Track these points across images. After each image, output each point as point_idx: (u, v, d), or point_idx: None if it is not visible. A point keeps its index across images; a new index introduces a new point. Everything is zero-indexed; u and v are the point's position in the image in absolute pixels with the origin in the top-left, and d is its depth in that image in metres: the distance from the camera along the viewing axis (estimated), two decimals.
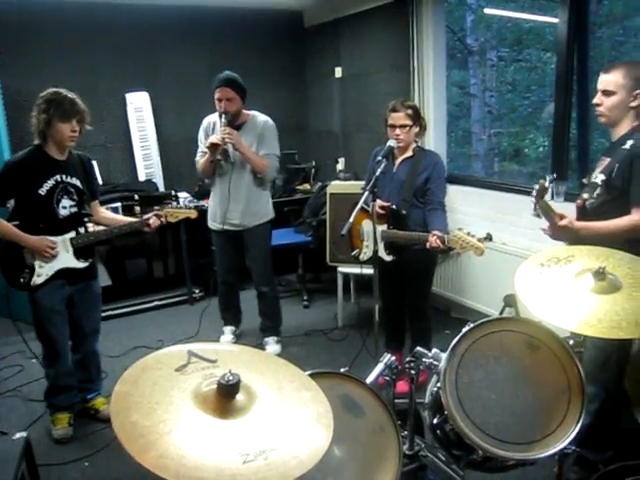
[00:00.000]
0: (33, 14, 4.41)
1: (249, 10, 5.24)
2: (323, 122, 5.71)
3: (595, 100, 2.33)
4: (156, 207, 3.09)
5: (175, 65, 5.15)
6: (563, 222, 2.21)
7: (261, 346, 3.83)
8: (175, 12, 4.94)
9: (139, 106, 4.96)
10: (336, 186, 4.46)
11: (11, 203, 2.82)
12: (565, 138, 3.51)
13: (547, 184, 2.14)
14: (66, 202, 2.80)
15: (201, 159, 3.62)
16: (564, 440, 1.63)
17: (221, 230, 3.68)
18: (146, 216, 2.98)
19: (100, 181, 4.78)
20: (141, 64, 5.01)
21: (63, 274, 2.84)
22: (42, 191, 2.72)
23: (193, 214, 3.09)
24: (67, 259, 2.83)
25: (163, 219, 2.98)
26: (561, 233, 2.27)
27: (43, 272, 2.78)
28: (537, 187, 2.14)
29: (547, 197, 2.19)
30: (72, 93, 2.72)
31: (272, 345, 3.88)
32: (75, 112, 2.69)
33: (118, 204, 4.34)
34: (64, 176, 2.79)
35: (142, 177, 5.00)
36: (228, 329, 4.04)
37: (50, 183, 2.73)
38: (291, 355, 3.70)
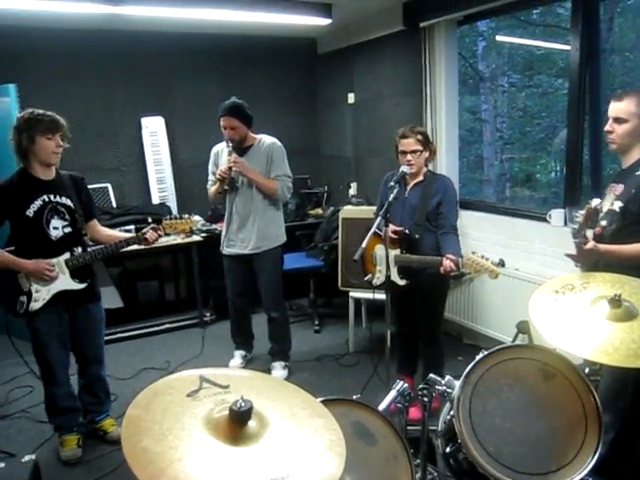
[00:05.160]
0: (50, 43, 4.52)
1: (263, 37, 5.33)
2: (335, 147, 5.75)
3: (607, 127, 2.33)
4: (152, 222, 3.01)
5: (190, 91, 5.23)
6: (589, 245, 2.19)
7: (270, 371, 3.80)
8: (190, 39, 5.04)
9: (154, 130, 5.03)
10: (348, 211, 4.46)
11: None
12: (578, 163, 3.51)
13: (594, 205, 2.08)
14: (57, 222, 2.76)
15: (212, 187, 3.67)
16: (581, 471, 1.60)
17: (232, 254, 3.69)
18: (143, 230, 2.92)
19: (114, 204, 4.85)
20: (157, 89, 5.10)
21: (60, 298, 2.79)
22: (29, 212, 2.68)
23: (189, 223, 3.02)
24: (64, 281, 2.78)
25: (161, 232, 2.93)
26: (585, 257, 2.24)
27: (40, 297, 2.74)
28: (583, 212, 2.09)
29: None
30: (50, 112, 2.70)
31: (278, 370, 3.84)
32: (58, 127, 2.67)
33: (131, 227, 4.37)
34: (52, 196, 2.74)
35: (156, 200, 5.05)
36: (238, 353, 4.02)
37: (37, 204, 2.69)
38: (302, 380, 3.67)
